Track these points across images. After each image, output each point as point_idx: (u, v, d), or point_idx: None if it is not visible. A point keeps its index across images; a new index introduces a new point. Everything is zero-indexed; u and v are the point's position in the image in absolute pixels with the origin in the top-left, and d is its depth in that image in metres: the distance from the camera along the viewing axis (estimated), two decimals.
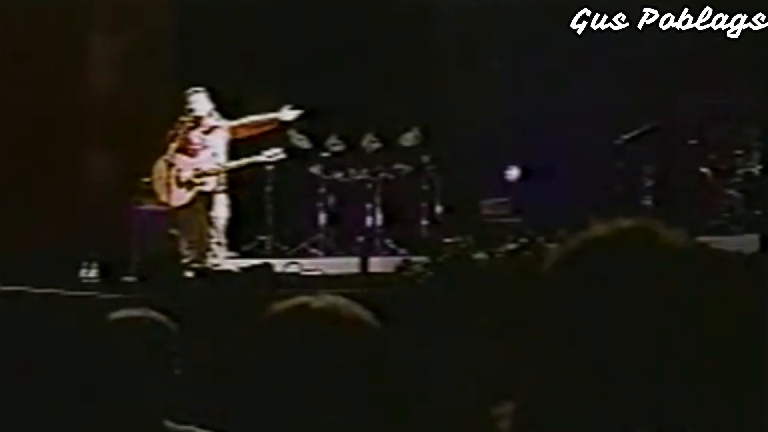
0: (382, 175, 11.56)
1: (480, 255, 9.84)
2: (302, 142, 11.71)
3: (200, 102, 10.82)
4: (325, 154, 11.75)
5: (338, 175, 11.67)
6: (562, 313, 1.55)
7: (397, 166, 11.54)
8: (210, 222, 10.84)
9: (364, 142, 11.74)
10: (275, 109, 11.09)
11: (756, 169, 10.23)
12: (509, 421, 1.64)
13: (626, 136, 10.45)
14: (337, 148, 11.80)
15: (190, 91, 10.81)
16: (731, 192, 10.28)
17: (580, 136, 10.81)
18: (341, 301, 1.95)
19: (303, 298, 1.94)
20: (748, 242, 8.82)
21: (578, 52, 11.13)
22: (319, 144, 11.80)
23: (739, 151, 10.33)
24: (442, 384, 5.81)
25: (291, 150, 11.30)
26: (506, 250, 9.70)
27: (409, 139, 11.64)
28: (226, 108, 11.10)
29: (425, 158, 11.51)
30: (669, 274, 1.54)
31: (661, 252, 1.55)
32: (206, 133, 10.84)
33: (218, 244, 10.83)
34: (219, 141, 10.88)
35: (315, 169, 11.69)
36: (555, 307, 1.57)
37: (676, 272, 1.54)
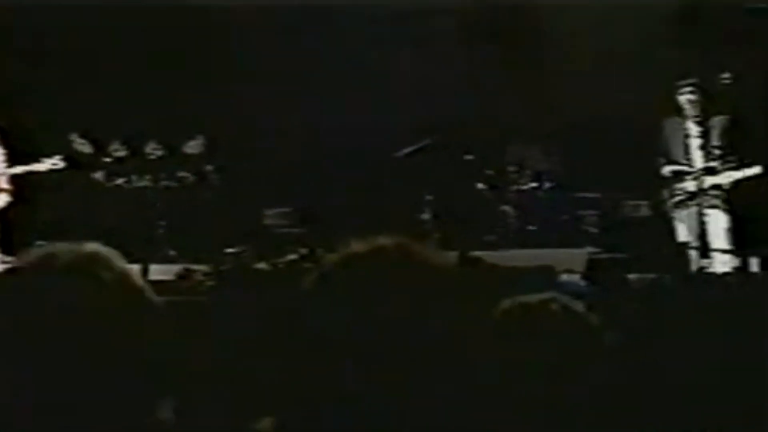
0: (164, 182, 11.44)
1: (261, 265, 9.86)
2: (84, 147, 11.47)
3: None
4: (107, 159, 11.54)
5: (120, 181, 11.48)
6: (320, 326, 1.64)
7: (181, 173, 11.44)
8: None
9: (148, 149, 11.60)
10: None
11: (528, 186, 10.60)
12: None
13: (405, 150, 10.64)
14: (119, 154, 11.61)
15: None
16: (506, 208, 10.61)
17: (362, 149, 10.96)
18: None
19: None
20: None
21: (357, 65, 11.28)
22: (101, 149, 11.58)
23: (512, 168, 10.68)
24: (214, 396, 5.83)
25: (71, 159, 10.98)
26: (287, 261, 9.76)
27: (193, 146, 11.57)
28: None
29: (209, 167, 11.45)
30: (424, 290, 1.65)
31: (416, 268, 1.66)
32: None
33: None
34: None
35: (97, 175, 11.46)
36: (314, 321, 1.65)
37: (430, 288, 1.66)
